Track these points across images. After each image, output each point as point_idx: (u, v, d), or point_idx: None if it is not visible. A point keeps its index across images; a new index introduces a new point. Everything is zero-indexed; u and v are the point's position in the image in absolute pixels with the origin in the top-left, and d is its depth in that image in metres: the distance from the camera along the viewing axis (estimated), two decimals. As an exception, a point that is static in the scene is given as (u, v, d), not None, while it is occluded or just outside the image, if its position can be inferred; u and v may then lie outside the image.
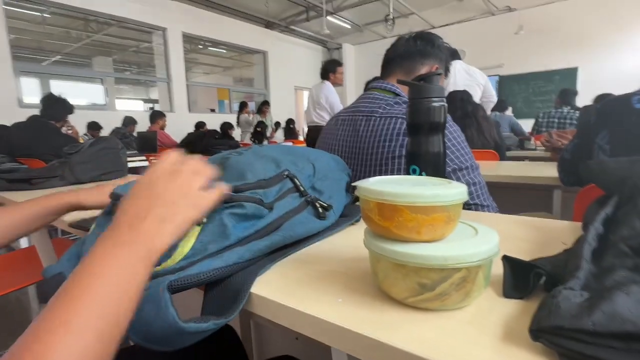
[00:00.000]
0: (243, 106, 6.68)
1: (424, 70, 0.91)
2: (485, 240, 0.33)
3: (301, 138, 7.21)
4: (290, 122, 7.05)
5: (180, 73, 7.04)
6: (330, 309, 0.34)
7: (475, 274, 0.31)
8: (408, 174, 0.66)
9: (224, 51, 9.39)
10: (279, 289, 0.39)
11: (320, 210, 0.54)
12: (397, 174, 0.80)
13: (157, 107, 7.77)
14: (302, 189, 0.54)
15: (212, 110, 9.03)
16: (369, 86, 0.96)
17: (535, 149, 2.48)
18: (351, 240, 0.55)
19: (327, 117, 3.61)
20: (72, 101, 2.93)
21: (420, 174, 0.63)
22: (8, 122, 3.80)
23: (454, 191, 0.33)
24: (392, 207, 0.32)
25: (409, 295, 0.33)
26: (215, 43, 8.14)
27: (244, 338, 0.84)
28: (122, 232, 0.33)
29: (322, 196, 0.57)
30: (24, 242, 2.43)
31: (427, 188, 0.33)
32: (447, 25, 8.31)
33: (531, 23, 7.26)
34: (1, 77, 4.90)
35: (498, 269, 0.37)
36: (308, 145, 3.63)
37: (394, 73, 0.93)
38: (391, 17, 6.06)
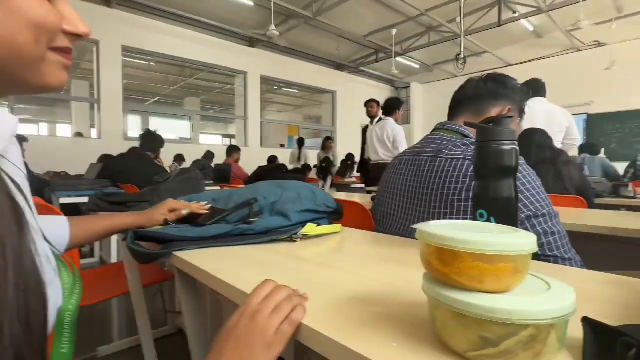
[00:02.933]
0: (301, 142, 7.09)
1: (494, 112, 0.88)
2: (559, 296, 0.30)
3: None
4: (349, 157, 7.04)
5: (256, 111, 7.67)
6: (383, 352, 0.33)
7: (546, 334, 0.29)
8: (475, 218, 0.63)
9: (296, 91, 10.06)
10: (334, 326, 0.39)
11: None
12: (462, 218, 0.76)
13: (234, 142, 8.51)
14: (250, 217, 0.84)
15: (282, 146, 9.57)
16: (434, 127, 0.96)
17: (634, 197, 2.16)
18: (411, 283, 0.53)
19: (393, 153, 3.59)
20: (164, 135, 3.36)
21: (488, 219, 0.60)
22: (114, 153, 4.48)
23: (521, 241, 0.31)
24: (452, 253, 0.31)
25: (469, 348, 0.31)
26: (289, 84, 8.78)
27: (297, 374, 0.84)
28: None
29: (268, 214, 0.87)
30: (114, 257, 2.75)
31: (492, 236, 0.32)
32: (524, 62, 7.93)
33: (625, 58, 6.60)
34: (114, 115, 5.84)
35: (577, 332, 0.33)
36: (372, 183, 3.62)
37: (462, 115, 0.91)
38: (462, 56, 5.98)
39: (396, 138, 3.56)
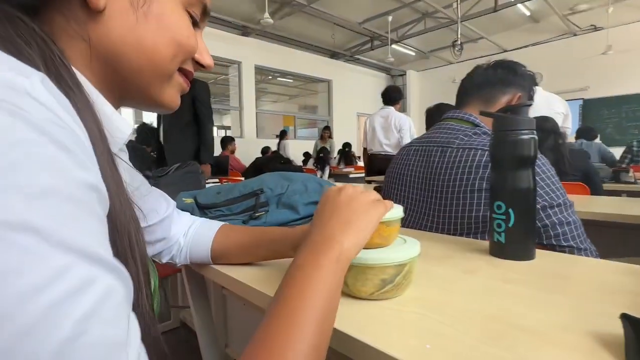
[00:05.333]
0: (283, 134, 7.08)
1: (505, 99, 0.86)
2: (412, 246, 0.46)
3: (361, 164, 7.17)
4: (346, 145, 6.90)
5: (251, 102, 7.58)
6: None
7: (410, 266, 0.44)
8: (492, 209, 0.62)
9: (291, 80, 9.94)
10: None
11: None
12: (476, 208, 0.75)
13: (229, 133, 8.41)
14: (256, 208, 0.82)
15: (277, 136, 9.49)
16: (442, 116, 0.93)
17: (634, 182, 2.17)
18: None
19: (396, 145, 3.53)
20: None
21: (506, 211, 0.59)
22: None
23: (398, 211, 0.46)
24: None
25: (374, 290, 0.43)
26: (284, 73, 8.67)
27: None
28: (316, 240, 0.38)
29: (275, 206, 0.85)
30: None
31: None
32: (520, 48, 7.88)
33: (622, 42, 6.57)
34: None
35: (616, 328, 0.32)
36: (371, 174, 3.59)
37: (471, 103, 0.89)
38: (459, 42, 5.92)
39: (402, 127, 3.49)
